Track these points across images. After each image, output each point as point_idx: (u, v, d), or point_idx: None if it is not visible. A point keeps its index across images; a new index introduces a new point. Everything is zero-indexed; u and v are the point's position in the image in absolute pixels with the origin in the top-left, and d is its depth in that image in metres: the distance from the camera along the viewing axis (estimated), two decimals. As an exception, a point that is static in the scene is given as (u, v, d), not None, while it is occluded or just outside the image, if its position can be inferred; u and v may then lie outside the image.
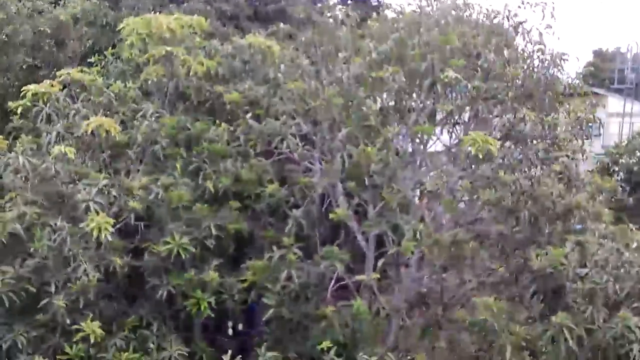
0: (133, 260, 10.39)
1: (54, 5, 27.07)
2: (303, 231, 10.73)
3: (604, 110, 51.74)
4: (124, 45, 13.09)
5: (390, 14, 12.81)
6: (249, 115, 11.37)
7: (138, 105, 11.51)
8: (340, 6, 11.95)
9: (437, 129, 11.29)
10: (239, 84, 12.61)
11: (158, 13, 14.29)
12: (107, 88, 12.90)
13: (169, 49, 12.36)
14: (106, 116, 10.62)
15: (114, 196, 9.72)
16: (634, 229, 12.88)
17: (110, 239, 9.24)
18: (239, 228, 11.01)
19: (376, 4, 59.84)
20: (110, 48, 14.82)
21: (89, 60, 14.05)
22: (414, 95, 11.13)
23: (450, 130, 11.20)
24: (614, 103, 48.88)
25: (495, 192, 10.21)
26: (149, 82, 12.45)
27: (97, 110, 10.83)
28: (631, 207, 20.31)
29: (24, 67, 23.19)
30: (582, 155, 12.05)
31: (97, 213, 9.21)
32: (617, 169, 21.73)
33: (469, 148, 9.75)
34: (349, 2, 61.14)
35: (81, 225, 9.16)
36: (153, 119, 10.61)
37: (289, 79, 11.17)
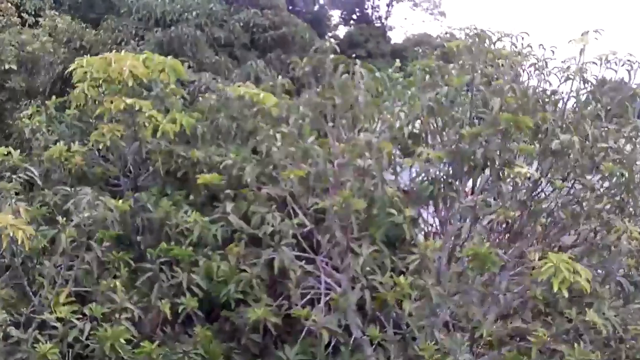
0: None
1: (23, 24, 23.91)
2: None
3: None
4: (73, 93, 9.93)
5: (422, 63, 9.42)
6: (231, 205, 8.19)
7: (72, 188, 8.26)
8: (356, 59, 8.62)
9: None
10: (223, 151, 9.61)
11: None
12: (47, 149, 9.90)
13: (129, 101, 9.26)
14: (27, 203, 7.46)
15: (17, 339, 6.50)
16: None
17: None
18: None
19: (379, 25, 56.97)
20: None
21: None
22: (458, 184, 7.89)
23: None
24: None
25: (581, 346, 6.97)
26: (101, 145, 9.32)
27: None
28: None
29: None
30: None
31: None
32: None
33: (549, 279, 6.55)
34: (352, 22, 58.27)
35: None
36: (87, 214, 7.33)
37: (286, 158, 7.95)
